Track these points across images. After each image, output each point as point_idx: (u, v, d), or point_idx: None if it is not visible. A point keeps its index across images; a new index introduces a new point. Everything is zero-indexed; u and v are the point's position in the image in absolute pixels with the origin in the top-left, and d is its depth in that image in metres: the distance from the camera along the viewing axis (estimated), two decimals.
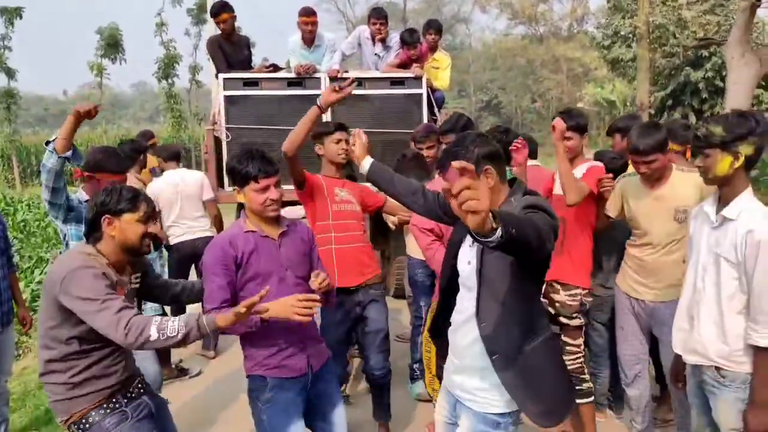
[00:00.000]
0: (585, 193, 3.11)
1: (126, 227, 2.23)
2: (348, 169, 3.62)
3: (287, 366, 2.42)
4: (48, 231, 10.98)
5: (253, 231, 2.43)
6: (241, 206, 5.13)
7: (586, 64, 32.44)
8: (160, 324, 2.02)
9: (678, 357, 2.57)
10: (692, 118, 13.27)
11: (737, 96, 5.90)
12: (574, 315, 3.33)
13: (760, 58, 5.69)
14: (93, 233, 2.26)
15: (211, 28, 15.78)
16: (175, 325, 2.03)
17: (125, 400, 2.26)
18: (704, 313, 2.37)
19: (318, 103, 3.03)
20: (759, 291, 2.19)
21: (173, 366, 4.66)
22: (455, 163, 1.40)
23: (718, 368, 2.33)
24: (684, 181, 2.98)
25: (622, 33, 13.88)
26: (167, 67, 24.52)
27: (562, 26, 40.90)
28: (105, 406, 2.21)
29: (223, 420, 3.92)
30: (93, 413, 2.19)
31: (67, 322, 2.12)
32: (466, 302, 2.15)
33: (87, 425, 2.18)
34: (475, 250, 2.10)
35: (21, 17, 20.09)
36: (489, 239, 1.54)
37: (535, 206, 1.93)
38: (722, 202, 2.33)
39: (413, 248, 3.80)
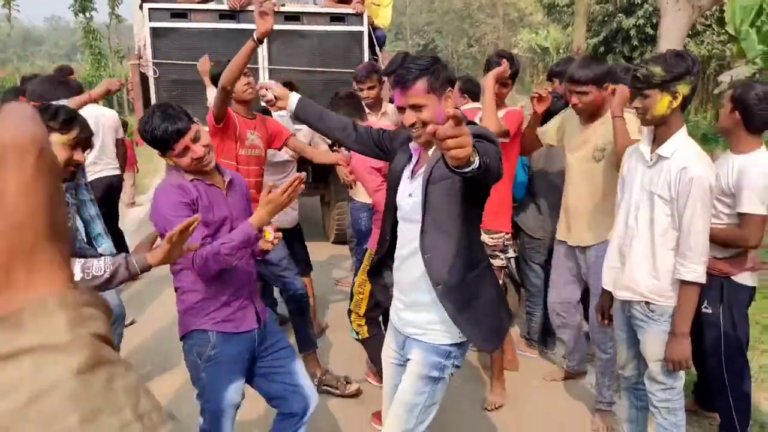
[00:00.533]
0: (503, 129, 3.12)
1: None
2: (257, 105, 3.50)
3: (236, 320, 2.23)
4: None
5: (198, 179, 2.21)
6: None
7: (521, 9, 32.47)
8: (84, 264, 1.88)
9: (606, 293, 2.65)
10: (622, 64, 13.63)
11: (669, 42, 6.03)
12: (495, 254, 3.37)
13: (693, 4, 5.78)
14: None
15: None
16: (101, 264, 1.89)
17: None
18: (636, 250, 2.42)
19: (253, 36, 2.84)
20: (688, 227, 2.25)
21: None
22: (448, 111, 1.44)
23: (647, 303, 2.41)
24: (610, 122, 2.95)
25: None
26: None
27: None
28: None
29: (163, 367, 3.79)
30: None
31: None
32: (408, 236, 2.11)
33: None
34: (418, 181, 2.08)
35: None
36: (465, 170, 1.58)
37: (482, 136, 1.90)
38: (657, 141, 2.37)
39: (358, 191, 3.73)
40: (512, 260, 3.96)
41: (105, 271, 1.89)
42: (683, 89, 2.24)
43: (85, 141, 2.23)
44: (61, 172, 2.02)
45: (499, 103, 3.32)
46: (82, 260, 1.91)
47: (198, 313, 2.21)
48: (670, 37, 5.99)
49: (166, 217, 2.09)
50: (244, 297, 2.27)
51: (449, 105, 2.05)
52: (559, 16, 16.73)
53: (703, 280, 2.27)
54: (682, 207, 2.25)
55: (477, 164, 1.58)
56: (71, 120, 2.16)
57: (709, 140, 11.36)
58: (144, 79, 4.65)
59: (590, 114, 3.04)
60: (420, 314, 2.18)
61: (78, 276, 1.86)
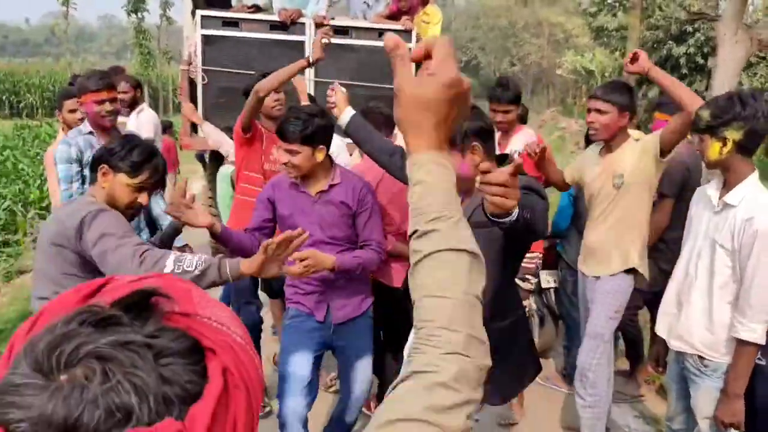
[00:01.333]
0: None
1: (117, 186, 2.04)
2: None
3: (303, 303, 2.62)
4: (6, 165, 10.54)
5: (295, 183, 2.53)
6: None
7: (568, 30, 32.23)
8: (178, 257, 1.88)
9: (662, 341, 2.54)
10: None
11: (725, 74, 5.82)
12: (527, 277, 3.42)
13: (752, 36, 5.61)
14: (92, 173, 2.11)
15: None
16: (193, 260, 1.88)
17: None
18: (694, 300, 2.32)
19: (309, 57, 3.04)
20: (749, 282, 2.13)
21: None
22: (482, 165, 1.40)
23: (701, 357, 2.30)
24: (631, 148, 2.88)
25: (610, 1, 13.74)
26: (138, 0, 23.52)
27: None
28: None
29: None
30: None
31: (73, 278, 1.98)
32: None
33: None
34: None
35: None
36: (502, 220, 1.51)
37: (530, 188, 1.84)
38: (726, 186, 2.26)
39: None
40: (552, 291, 3.86)
41: (196, 268, 1.87)
42: (732, 134, 2.13)
43: (153, 185, 2.12)
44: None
45: (508, 128, 3.45)
46: (177, 253, 1.91)
47: (288, 290, 2.70)
48: (726, 69, 5.80)
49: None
50: (314, 289, 2.59)
51: (473, 159, 1.99)
52: (607, 39, 16.50)
53: (762, 341, 2.13)
54: (745, 260, 2.13)
55: (515, 216, 1.52)
56: (142, 163, 2.05)
57: (763, 177, 10.99)
58: (192, 84, 4.71)
59: (606, 140, 2.92)
60: None
61: (169, 268, 1.85)
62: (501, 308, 2.07)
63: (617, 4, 14.36)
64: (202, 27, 4.59)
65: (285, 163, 2.42)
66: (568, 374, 3.88)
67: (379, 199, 2.88)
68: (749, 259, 2.12)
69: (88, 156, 3.01)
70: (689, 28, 12.43)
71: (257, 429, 0.59)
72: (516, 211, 1.51)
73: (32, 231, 7.14)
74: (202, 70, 4.62)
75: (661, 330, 2.50)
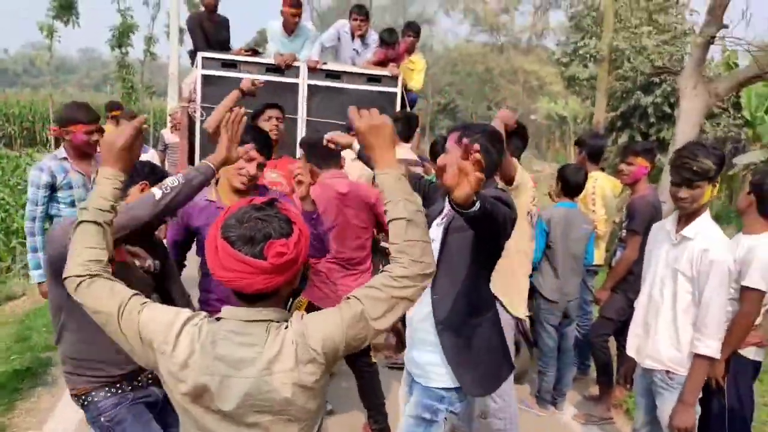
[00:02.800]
0: None
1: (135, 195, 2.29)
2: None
3: None
4: None
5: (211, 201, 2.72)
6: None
7: (542, 78, 33.36)
8: (159, 186, 2.06)
9: (630, 360, 2.82)
10: (639, 140, 13.94)
11: (686, 123, 6.25)
12: None
13: (709, 90, 6.05)
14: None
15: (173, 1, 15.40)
16: (172, 178, 2.08)
17: (129, 388, 2.25)
18: (661, 322, 2.59)
19: (242, 87, 3.72)
20: (705, 304, 2.43)
21: None
22: (475, 145, 1.66)
23: (668, 372, 2.56)
24: None
25: (581, 52, 14.43)
26: (122, 35, 23.69)
27: (522, 38, 41.88)
28: (107, 389, 2.21)
29: None
30: (94, 393, 2.20)
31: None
32: None
33: (86, 401, 2.21)
34: (441, 228, 2.31)
35: None
36: (467, 210, 1.78)
37: (500, 198, 2.16)
38: (683, 222, 2.58)
39: None
40: (527, 319, 4.13)
41: (178, 181, 2.06)
42: (718, 178, 2.47)
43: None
44: None
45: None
46: (157, 184, 2.09)
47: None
48: (688, 119, 6.26)
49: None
50: None
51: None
52: (578, 88, 17.25)
53: (717, 355, 2.43)
54: (702, 285, 2.43)
55: (478, 207, 1.78)
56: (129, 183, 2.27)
57: (721, 219, 11.53)
58: (190, 120, 4.97)
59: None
60: (423, 354, 2.36)
61: (159, 195, 2.01)
62: (476, 307, 2.33)
63: (588, 56, 15.08)
64: (203, 67, 4.88)
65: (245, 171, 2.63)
66: (541, 397, 4.13)
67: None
68: (707, 284, 2.42)
69: (61, 180, 3.34)
70: (656, 80, 13.11)
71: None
72: (478, 203, 1.78)
73: (16, 259, 7.20)
74: (201, 107, 4.88)
75: (630, 350, 2.78)
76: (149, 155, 5.12)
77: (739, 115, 13.17)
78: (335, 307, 1.48)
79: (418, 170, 3.84)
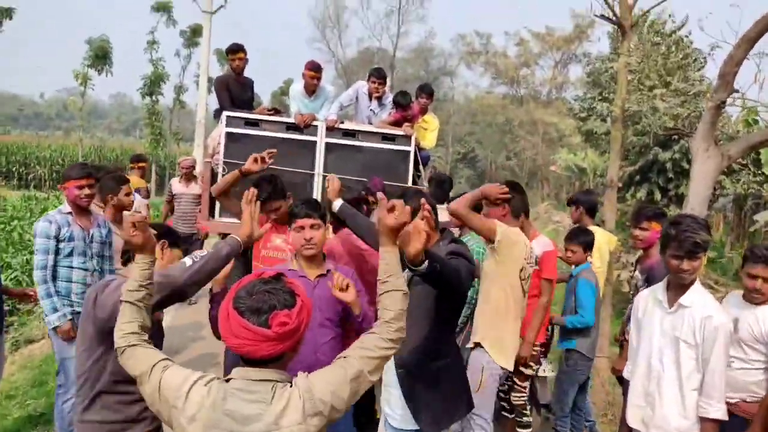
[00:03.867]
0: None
1: (172, 257, 2.57)
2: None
3: None
4: (13, 236, 10.82)
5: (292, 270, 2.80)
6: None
7: (561, 130, 33.62)
8: (189, 256, 2.38)
9: (627, 428, 2.82)
10: (657, 195, 13.92)
11: (700, 185, 6.28)
12: (529, 363, 3.69)
13: (722, 153, 6.11)
14: (126, 262, 2.53)
15: (204, 52, 16.06)
16: (200, 252, 2.40)
17: None
18: (665, 391, 2.61)
19: (241, 169, 3.77)
20: (713, 369, 2.48)
21: None
22: (427, 212, 2.10)
23: None
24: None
25: (597, 108, 14.62)
26: (153, 84, 24.59)
27: (542, 91, 42.52)
28: None
29: None
30: None
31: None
32: None
33: None
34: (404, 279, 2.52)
35: (11, 18, 19.95)
36: (418, 268, 2.08)
37: (457, 252, 2.43)
38: (674, 289, 2.63)
39: None
40: (537, 380, 4.15)
41: (206, 253, 2.38)
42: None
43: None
44: None
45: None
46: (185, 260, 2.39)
47: None
48: (701, 179, 6.29)
49: None
50: None
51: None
52: (596, 141, 17.38)
53: (726, 417, 2.49)
54: (708, 351, 2.49)
55: (425, 266, 2.08)
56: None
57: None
58: (213, 174, 5.16)
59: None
60: (388, 393, 2.58)
61: (189, 262, 2.32)
62: (437, 350, 2.55)
63: (606, 113, 15.27)
64: (227, 125, 5.11)
65: (308, 239, 2.76)
66: None
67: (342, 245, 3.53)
68: (713, 351, 2.49)
69: (65, 232, 3.69)
70: (675, 136, 13.19)
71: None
72: (426, 263, 2.07)
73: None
74: (224, 162, 5.07)
75: (634, 422, 2.77)
76: (136, 202, 5.28)
77: (760, 172, 13.15)
78: (335, 366, 1.71)
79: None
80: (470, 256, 2.47)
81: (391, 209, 1.92)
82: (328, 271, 2.82)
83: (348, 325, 2.82)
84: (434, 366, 2.52)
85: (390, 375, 2.53)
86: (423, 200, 3.09)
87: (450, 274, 2.23)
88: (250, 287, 1.62)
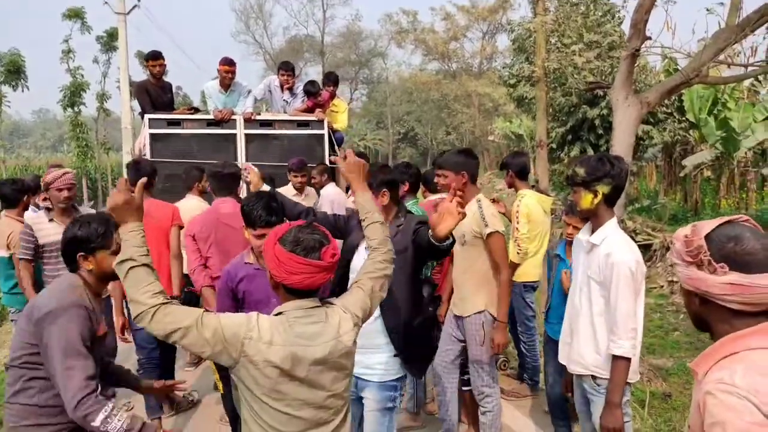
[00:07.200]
0: None
1: (101, 261, 2.32)
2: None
3: None
4: None
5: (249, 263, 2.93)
6: None
7: (495, 100, 34.13)
8: (109, 414, 2.09)
9: (566, 368, 2.90)
10: (590, 152, 14.35)
11: (622, 134, 6.46)
12: None
13: (641, 100, 6.31)
14: (70, 265, 2.34)
15: (123, 55, 15.47)
16: (120, 425, 2.10)
17: None
18: (582, 327, 2.69)
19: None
20: (614, 305, 2.52)
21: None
22: (449, 195, 2.32)
23: (594, 377, 2.64)
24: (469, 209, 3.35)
25: (525, 74, 14.89)
26: (73, 95, 23.57)
27: (474, 63, 42.98)
28: None
29: None
30: None
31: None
32: None
33: None
34: None
35: None
36: (443, 244, 2.34)
37: (423, 222, 2.72)
38: (592, 231, 2.70)
39: None
40: None
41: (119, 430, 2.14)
42: (603, 188, 2.57)
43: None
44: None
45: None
46: (108, 409, 2.11)
47: None
48: (623, 129, 6.46)
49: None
50: None
51: (381, 201, 2.90)
52: (528, 107, 17.74)
53: (631, 355, 2.49)
54: (608, 288, 2.54)
55: (450, 241, 2.36)
56: (105, 234, 2.45)
57: (679, 220, 11.89)
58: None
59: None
60: (374, 356, 2.71)
61: (96, 423, 2.08)
62: (416, 311, 2.83)
63: (530, 77, 15.59)
64: (150, 127, 5.30)
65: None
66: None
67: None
68: (611, 287, 2.53)
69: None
70: (600, 93, 13.61)
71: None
72: (451, 239, 2.30)
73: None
74: (151, 161, 5.12)
75: (562, 358, 2.87)
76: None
77: (684, 119, 13.72)
78: (353, 289, 2.09)
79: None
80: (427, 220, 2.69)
81: (344, 158, 2.36)
82: None
83: None
84: (416, 323, 2.82)
85: (372, 338, 2.69)
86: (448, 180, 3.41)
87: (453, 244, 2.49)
88: (295, 233, 1.89)
